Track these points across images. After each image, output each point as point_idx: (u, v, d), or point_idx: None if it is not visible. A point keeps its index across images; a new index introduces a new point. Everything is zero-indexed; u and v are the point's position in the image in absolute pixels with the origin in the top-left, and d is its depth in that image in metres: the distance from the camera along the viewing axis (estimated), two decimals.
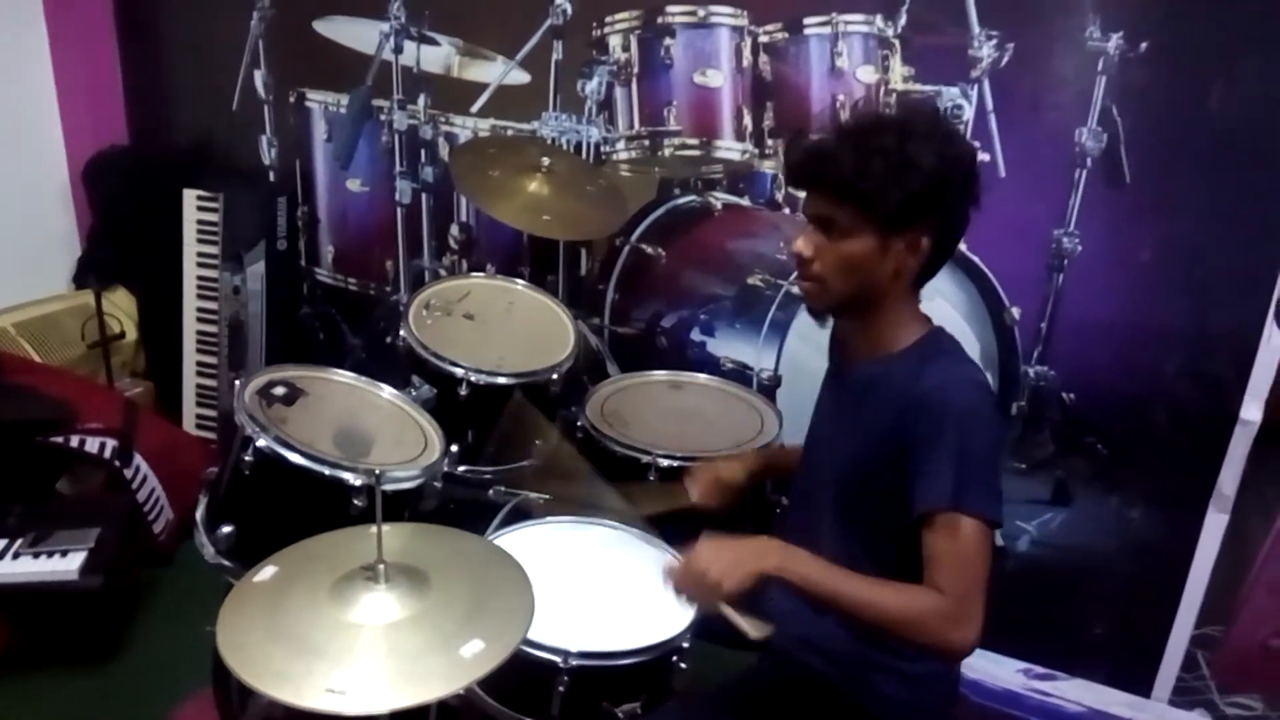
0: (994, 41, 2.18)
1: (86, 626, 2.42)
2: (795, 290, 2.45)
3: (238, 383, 1.69)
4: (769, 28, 2.40)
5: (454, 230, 2.90)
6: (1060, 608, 2.46)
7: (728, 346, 2.61)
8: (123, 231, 3.22)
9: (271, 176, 3.11)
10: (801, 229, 1.45)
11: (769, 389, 2.52)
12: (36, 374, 2.86)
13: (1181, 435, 2.23)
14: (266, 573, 1.30)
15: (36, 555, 2.27)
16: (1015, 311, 2.29)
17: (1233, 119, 2.03)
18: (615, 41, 2.52)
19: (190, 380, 3.17)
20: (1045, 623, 2.46)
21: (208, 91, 3.11)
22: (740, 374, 2.57)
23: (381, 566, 1.25)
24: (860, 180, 1.34)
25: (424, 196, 2.91)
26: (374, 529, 1.39)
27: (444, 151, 2.84)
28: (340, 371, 1.87)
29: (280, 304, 3.11)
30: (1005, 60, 2.18)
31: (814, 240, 1.41)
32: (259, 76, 3.00)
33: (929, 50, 2.26)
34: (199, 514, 1.71)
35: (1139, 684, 2.41)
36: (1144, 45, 2.06)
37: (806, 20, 2.35)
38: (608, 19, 2.51)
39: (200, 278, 3.08)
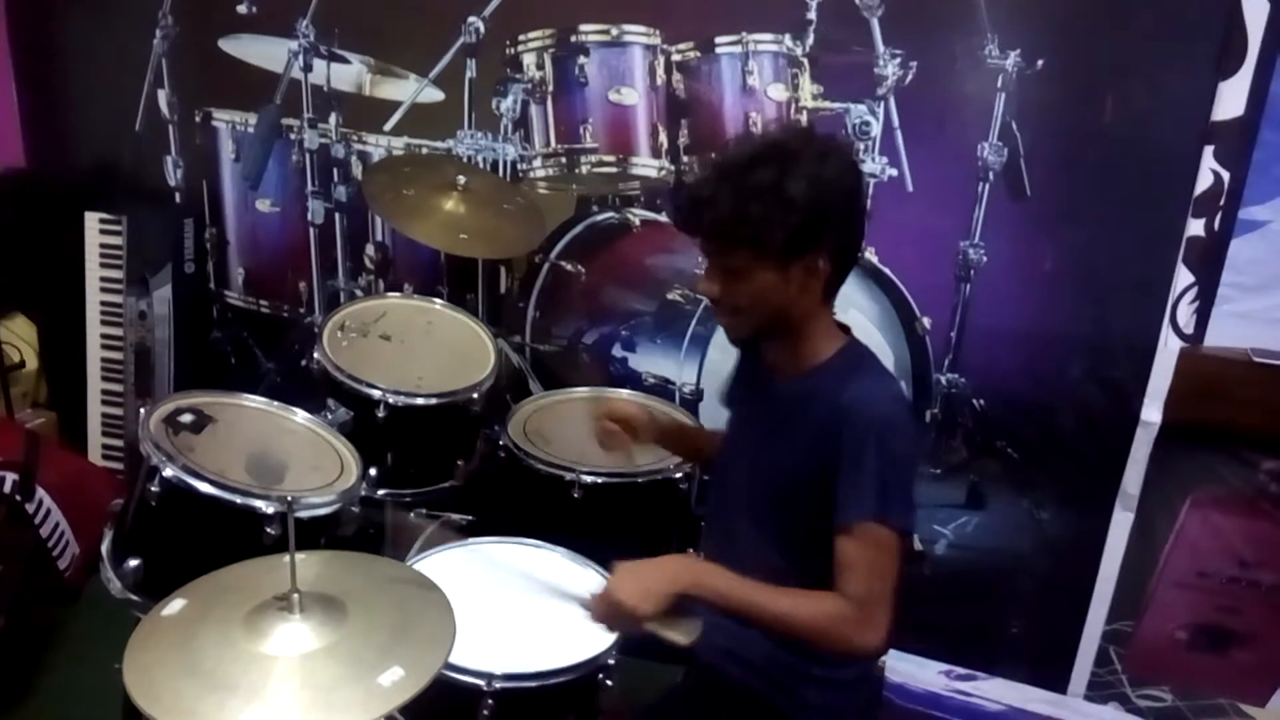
0: (898, 60, 2.24)
1: None
2: None
3: (142, 410, 1.63)
4: (681, 46, 2.43)
5: (369, 250, 2.85)
6: (978, 608, 2.52)
7: (649, 362, 2.62)
8: (20, 256, 3.09)
9: (178, 198, 3.02)
10: (705, 271, 1.46)
11: (691, 403, 2.54)
12: None
13: (1087, 438, 2.32)
14: (175, 606, 1.26)
15: None
16: (926, 321, 2.35)
17: (1125, 132, 2.13)
18: (529, 59, 2.52)
19: (95, 409, 3.05)
20: (964, 624, 2.52)
21: (109, 111, 3.01)
22: (663, 389, 2.57)
23: (295, 596, 1.21)
24: (740, 226, 1.36)
25: (337, 216, 2.86)
26: (287, 558, 1.37)
27: (357, 170, 2.79)
28: (251, 396, 1.83)
29: (189, 328, 3.02)
30: (910, 78, 2.25)
31: (716, 281, 1.43)
32: (163, 96, 2.92)
33: (837, 68, 2.32)
34: (104, 547, 1.65)
35: (1056, 681, 2.47)
36: (1040, 62, 2.14)
37: (718, 39, 2.38)
38: (521, 37, 2.51)
39: (104, 303, 2.98)
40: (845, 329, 1.55)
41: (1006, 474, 2.41)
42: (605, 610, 1.39)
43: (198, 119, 2.92)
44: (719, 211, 1.36)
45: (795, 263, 1.39)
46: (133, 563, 1.57)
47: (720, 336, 2.48)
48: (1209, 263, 2.13)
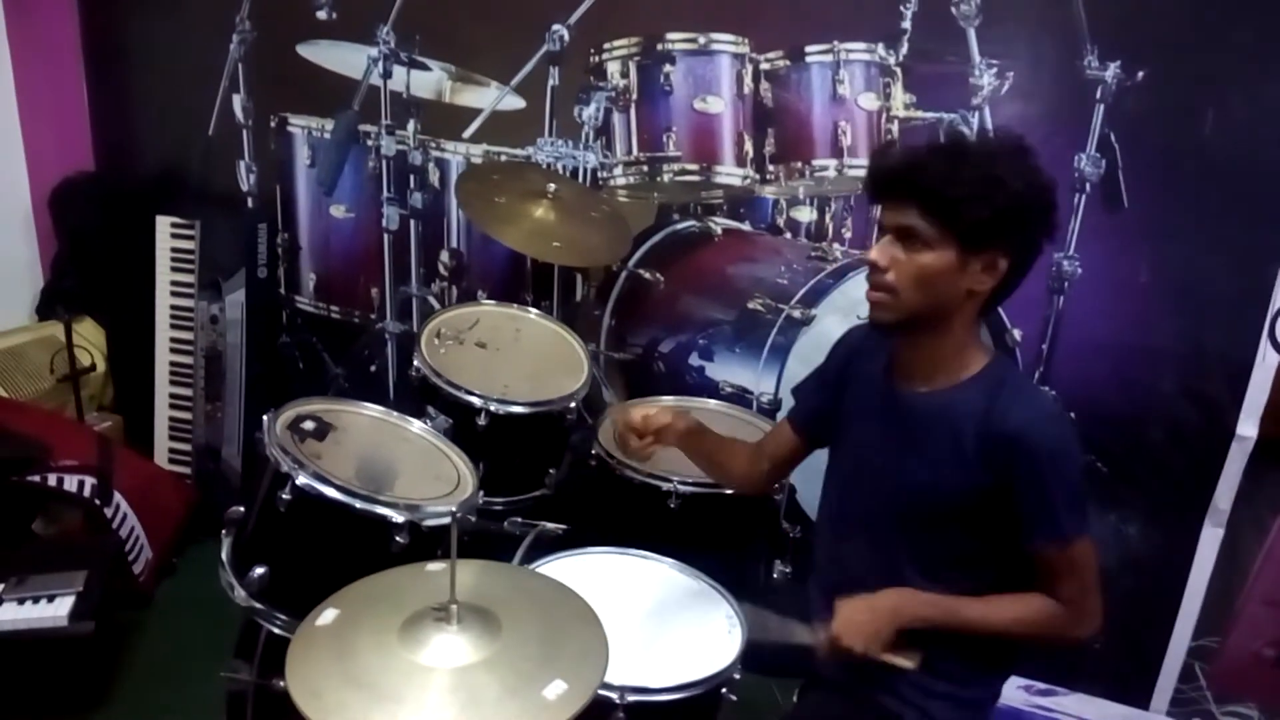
0: (994, 70, 2.23)
1: (71, 675, 2.30)
2: (795, 314, 2.47)
3: (266, 417, 1.63)
4: (770, 55, 2.42)
5: (444, 257, 2.86)
6: None
7: (727, 371, 2.61)
8: (90, 260, 3.11)
9: (250, 203, 3.03)
10: (878, 240, 1.44)
11: (769, 412, 2.52)
12: (5, 410, 2.73)
13: (1178, 452, 2.29)
14: (327, 616, 1.25)
15: (21, 601, 2.15)
16: (1017, 333, 2.34)
17: (1226, 144, 2.10)
18: (614, 68, 2.52)
19: (163, 413, 3.06)
20: None
21: (181, 115, 3.02)
22: (740, 398, 2.56)
23: (454, 607, 1.20)
24: (950, 189, 1.33)
25: (412, 223, 2.86)
26: (430, 566, 1.36)
27: (434, 177, 2.80)
28: (368, 405, 1.82)
29: (260, 333, 3.02)
30: (1005, 88, 2.23)
31: (890, 250, 1.40)
32: (238, 100, 2.93)
33: (930, 78, 2.31)
34: (224, 554, 1.64)
35: (1137, 696, 2.45)
36: (1141, 74, 2.13)
37: (808, 48, 2.38)
38: (606, 46, 2.51)
39: (174, 307, 2.98)
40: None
41: (1094, 488, 2.35)
42: (840, 655, 1.44)
43: (273, 124, 2.93)
44: (931, 173, 1.34)
45: (977, 255, 1.37)
46: (259, 570, 1.56)
47: (801, 346, 2.53)
48: None
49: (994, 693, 1.63)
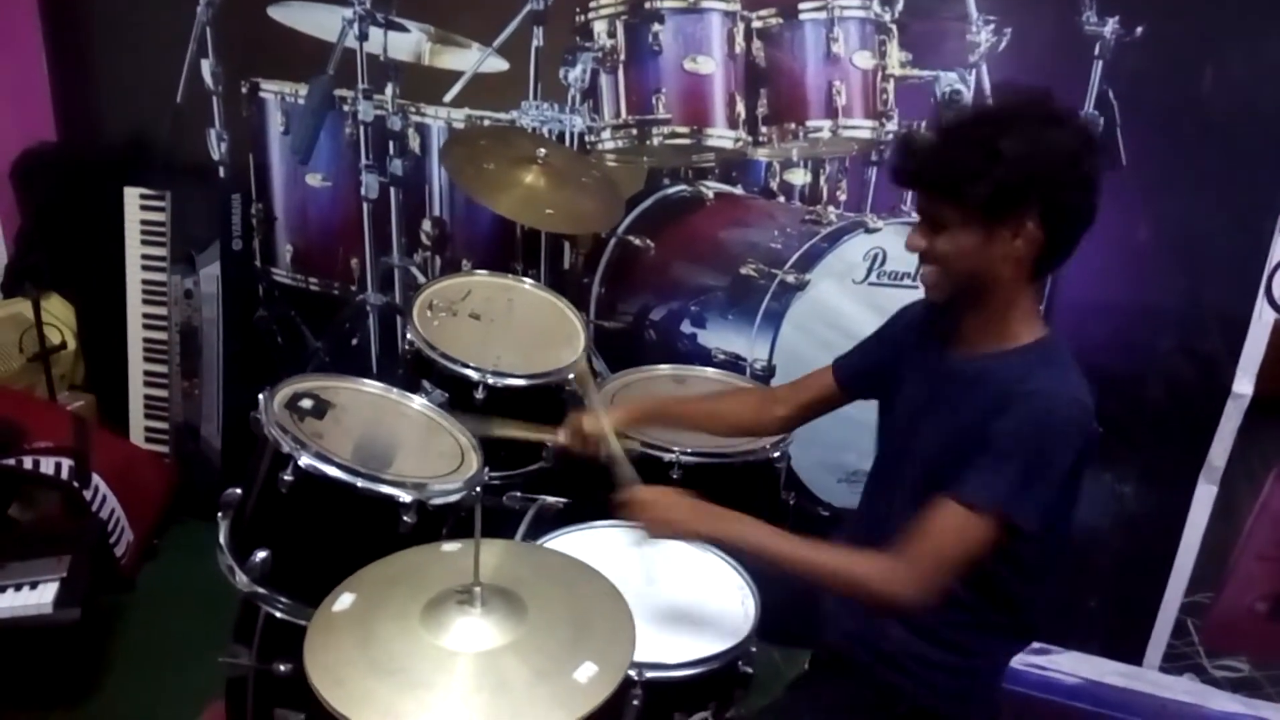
0: (991, 26, 2.20)
1: (58, 663, 2.24)
2: (789, 279, 2.44)
3: (262, 396, 1.56)
4: (762, 13, 2.37)
5: (426, 225, 2.78)
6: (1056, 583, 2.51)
7: (719, 338, 2.57)
8: (56, 234, 2.99)
9: (222, 172, 2.92)
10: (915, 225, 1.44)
11: (763, 378, 2.49)
12: None
13: (1174, 411, 2.30)
14: (345, 601, 1.21)
15: (3, 589, 2.08)
16: None
17: (1224, 102, 2.09)
18: (600, 27, 2.45)
19: (137, 391, 2.96)
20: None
21: (147, 83, 2.90)
22: (733, 365, 2.53)
23: (478, 589, 1.16)
24: (945, 175, 1.34)
25: (393, 191, 2.78)
26: (446, 547, 1.32)
27: (414, 143, 2.72)
28: (367, 381, 1.76)
29: (237, 307, 2.93)
30: (1003, 45, 2.20)
31: (924, 234, 1.41)
32: (207, 66, 2.81)
33: (926, 35, 2.27)
34: (222, 539, 1.58)
35: (1132, 653, 2.47)
36: (1139, 30, 2.10)
37: (801, 5, 2.32)
38: (592, 4, 2.44)
39: (146, 281, 2.88)
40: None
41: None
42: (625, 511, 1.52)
43: (244, 90, 2.82)
44: (927, 160, 1.36)
45: (1002, 225, 1.35)
46: (261, 555, 1.50)
47: (795, 312, 2.50)
48: None
49: (995, 664, 1.62)
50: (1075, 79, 2.16)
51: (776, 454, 2.05)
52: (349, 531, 1.49)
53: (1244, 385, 2.21)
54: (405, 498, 1.48)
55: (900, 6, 2.25)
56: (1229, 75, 2.07)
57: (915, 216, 1.44)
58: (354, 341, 2.97)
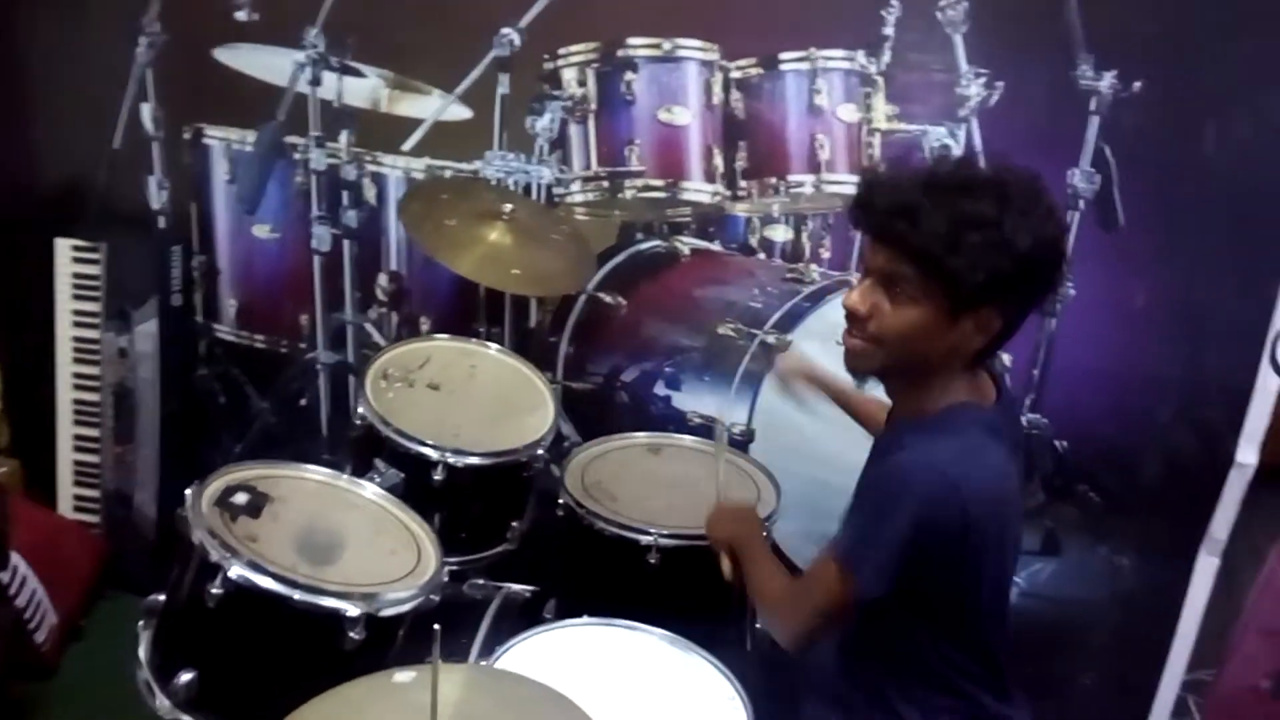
0: (982, 80, 2.09)
1: None
2: (770, 340, 2.30)
3: (189, 492, 1.38)
4: (742, 63, 2.25)
5: (382, 280, 2.61)
6: (1050, 659, 2.38)
7: (696, 400, 2.43)
8: None
9: (161, 223, 2.73)
10: (859, 281, 1.30)
11: (740, 444, 2.35)
12: None
13: (1174, 481, 2.19)
14: None
15: None
16: (1006, 358, 2.19)
17: (1226, 162, 2.01)
18: (570, 75, 2.31)
19: (66, 457, 2.76)
20: (1035, 674, 2.36)
21: (82, 127, 2.71)
22: (709, 430, 2.38)
23: None
24: (949, 254, 1.18)
25: (346, 243, 2.61)
26: (398, 677, 1.15)
27: (370, 194, 2.55)
28: (311, 468, 1.58)
29: (176, 366, 2.74)
30: (994, 99, 2.10)
31: (873, 298, 1.25)
32: (147, 110, 2.63)
33: (914, 88, 2.16)
34: (142, 653, 1.38)
35: None
36: (1137, 85, 2.01)
37: (783, 55, 2.21)
38: (561, 51, 2.30)
39: (77, 339, 2.69)
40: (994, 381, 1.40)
41: (1085, 519, 2.27)
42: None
43: (187, 136, 2.64)
44: (928, 230, 1.18)
45: (969, 314, 1.22)
46: (185, 676, 1.31)
47: None
48: None
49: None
50: (1070, 136, 2.06)
51: (764, 532, 1.90)
52: (287, 650, 1.31)
53: (1248, 455, 2.10)
54: (352, 611, 1.30)
55: (887, 58, 2.14)
56: (1232, 133, 1.98)
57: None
58: (302, 402, 2.79)
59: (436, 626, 0.94)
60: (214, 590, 1.28)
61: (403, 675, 1.15)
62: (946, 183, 1.22)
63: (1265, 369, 2.07)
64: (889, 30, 2.11)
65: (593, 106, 2.31)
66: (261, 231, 2.68)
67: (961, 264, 1.17)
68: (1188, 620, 2.25)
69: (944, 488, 1.23)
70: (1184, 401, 2.14)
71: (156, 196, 2.70)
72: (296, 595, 1.29)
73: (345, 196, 2.57)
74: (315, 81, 2.47)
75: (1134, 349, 2.15)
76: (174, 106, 2.63)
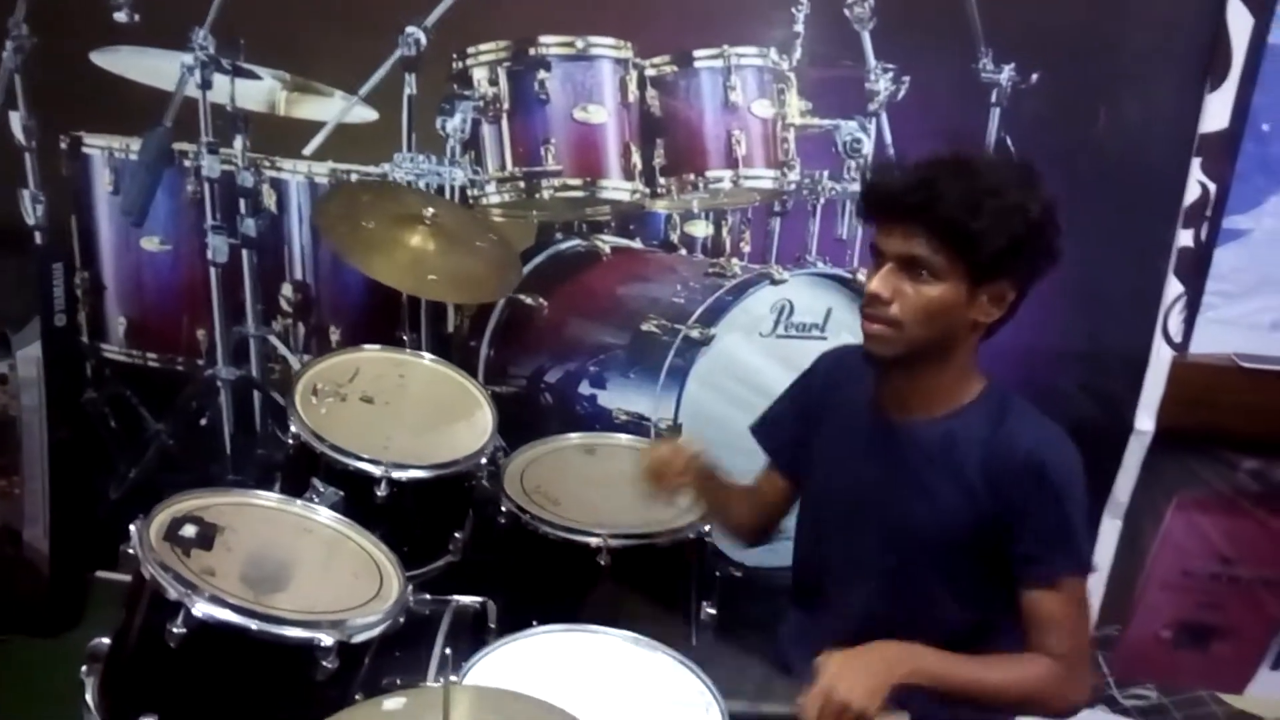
0: (890, 75, 2.16)
1: None
2: (694, 334, 2.32)
3: (134, 528, 1.29)
4: (656, 60, 2.25)
5: (286, 290, 2.50)
6: None
7: (621, 398, 2.42)
8: None
9: (39, 238, 2.55)
10: (874, 269, 1.33)
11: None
12: None
13: (1079, 448, 2.30)
14: None
15: None
16: None
17: (1118, 145, 2.14)
18: (480, 75, 2.27)
19: None
20: None
21: None
22: (637, 426, 2.38)
23: None
24: (973, 218, 1.23)
25: (245, 253, 2.49)
26: (387, 705, 1.11)
27: (270, 200, 2.44)
28: (258, 493, 1.50)
29: (62, 391, 2.56)
30: (902, 93, 2.17)
31: (893, 281, 1.29)
32: (17, 119, 2.44)
33: (825, 83, 2.21)
34: (90, 700, 1.29)
35: None
36: (1035, 76, 2.11)
37: (697, 53, 2.23)
38: (470, 50, 2.26)
39: None
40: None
41: None
42: (829, 711, 1.22)
43: (64, 145, 2.46)
44: (948, 201, 1.23)
45: (986, 286, 1.29)
46: None
47: (701, 367, 2.37)
48: (1197, 272, 2.17)
49: None
50: (974, 126, 2.15)
51: (706, 526, 1.91)
52: (257, 685, 1.24)
53: (1145, 422, 2.25)
54: (326, 640, 1.25)
55: (798, 55, 2.18)
56: (1121, 119, 2.11)
57: (866, 260, 1.42)
58: (203, 421, 2.65)
59: (448, 650, 0.90)
60: (175, 629, 1.20)
61: (392, 703, 1.11)
62: (954, 161, 1.29)
63: (1158, 340, 2.21)
64: (799, 28, 2.16)
65: (506, 106, 2.27)
66: (151, 244, 2.53)
67: (985, 226, 1.23)
68: (1094, 580, 2.39)
69: (1076, 452, 1.38)
70: (1086, 373, 2.27)
71: (32, 211, 2.52)
72: (270, 628, 1.23)
73: (242, 204, 2.45)
74: (205, 85, 2.35)
75: (1037, 324, 2.21)
76: (48, 114, 2.45)
